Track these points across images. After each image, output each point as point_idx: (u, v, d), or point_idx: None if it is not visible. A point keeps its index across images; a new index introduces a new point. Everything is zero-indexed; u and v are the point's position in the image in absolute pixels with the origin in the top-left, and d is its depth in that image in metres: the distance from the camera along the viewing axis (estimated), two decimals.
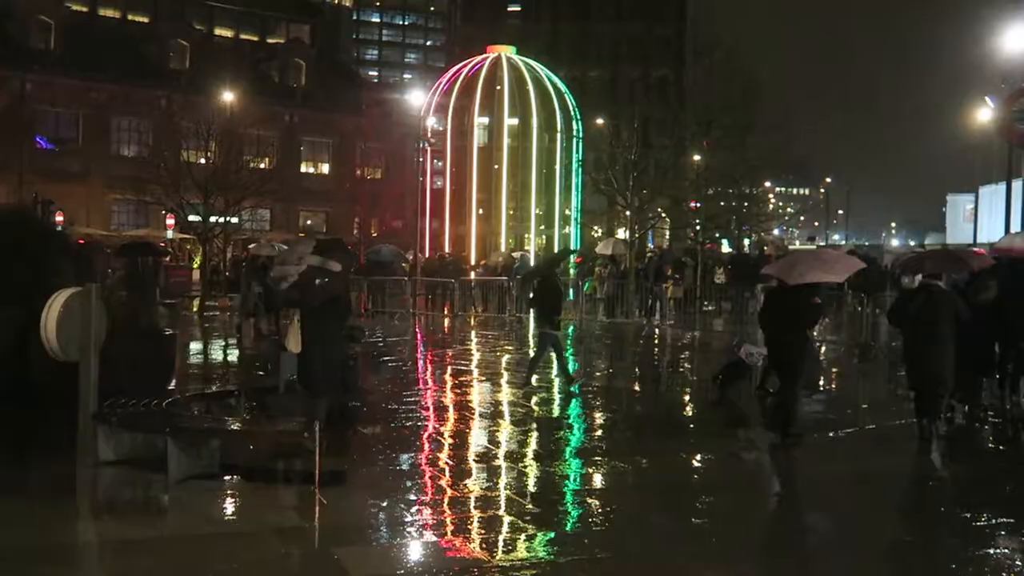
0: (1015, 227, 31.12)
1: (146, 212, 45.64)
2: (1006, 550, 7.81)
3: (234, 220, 33.83)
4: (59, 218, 40.16)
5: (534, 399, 14.38)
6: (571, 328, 26.75)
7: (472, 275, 32.49)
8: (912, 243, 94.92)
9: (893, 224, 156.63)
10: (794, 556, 7.83)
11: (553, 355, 15.36)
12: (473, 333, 24.78)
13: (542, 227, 39.65)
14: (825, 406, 14.38)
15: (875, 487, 10.03)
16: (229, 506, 8.69)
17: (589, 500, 9.05)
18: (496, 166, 38.73)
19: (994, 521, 8.58)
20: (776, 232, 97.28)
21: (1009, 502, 9.34)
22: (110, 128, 49.75)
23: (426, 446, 11.11)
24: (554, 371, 16.16)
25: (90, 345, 9.42)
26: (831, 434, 12.46)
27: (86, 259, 15.11)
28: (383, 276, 29.70)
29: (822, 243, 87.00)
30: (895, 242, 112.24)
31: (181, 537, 7.82)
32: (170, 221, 41.05)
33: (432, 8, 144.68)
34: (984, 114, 38.44)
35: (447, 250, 36.61)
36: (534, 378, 15.22)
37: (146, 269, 19.34)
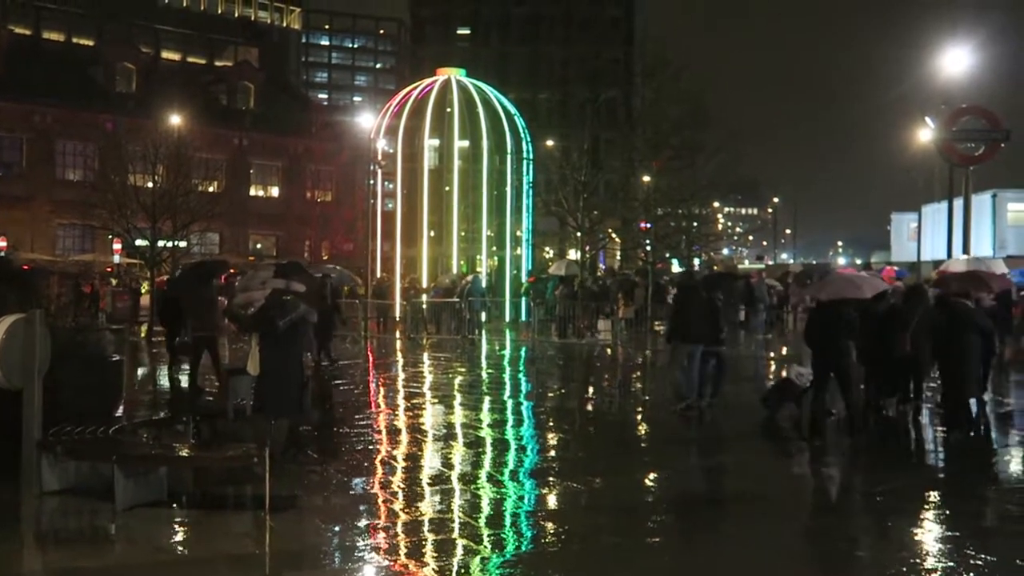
0: (957, 243, 31.70)
1: (92, 237, 45.03)
2: None
3: (182, 244, 33.47)
4: (2, 243, 39.51)
5: (487, 420, 14.37)
6: (523, 349, 26.78)
7: (423, 297, 32.39)
8: (859, 261, 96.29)
9: (840, 243, 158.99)
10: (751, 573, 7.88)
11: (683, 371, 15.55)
12: (426, 355, 24.71)
13: (494, 248, 39.67)
14: (782, 420, 14.53)
15: (843, 497, 10.14)
16: (178, 533, 8.57)
17: (543, 521, 9.04)
18: (447, 188, 38.72)
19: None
20: (725, 251, 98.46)
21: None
22: (55, 152, 49.11)
23: (378, 469, 11.04)
24: (507, 392, 16.10)
25: (34, 372, 9.26)
26: (784, 449, 12.61)
27: (30, 285, 14.84)
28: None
29: (771, 262, 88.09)
30: (842, 260, 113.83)
31: (129, 566, 7.70)
32: (117, 246, 40.55)
33: (382, 31, 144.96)
34: (925, 134, 39.24)
35: (399, 272, 36.45)
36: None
37: (210, 293, 18.26)
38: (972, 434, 13.03)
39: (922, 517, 9.38)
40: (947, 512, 9.54)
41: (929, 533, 8.84)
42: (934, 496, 10.18)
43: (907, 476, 11.17)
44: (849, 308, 12.84)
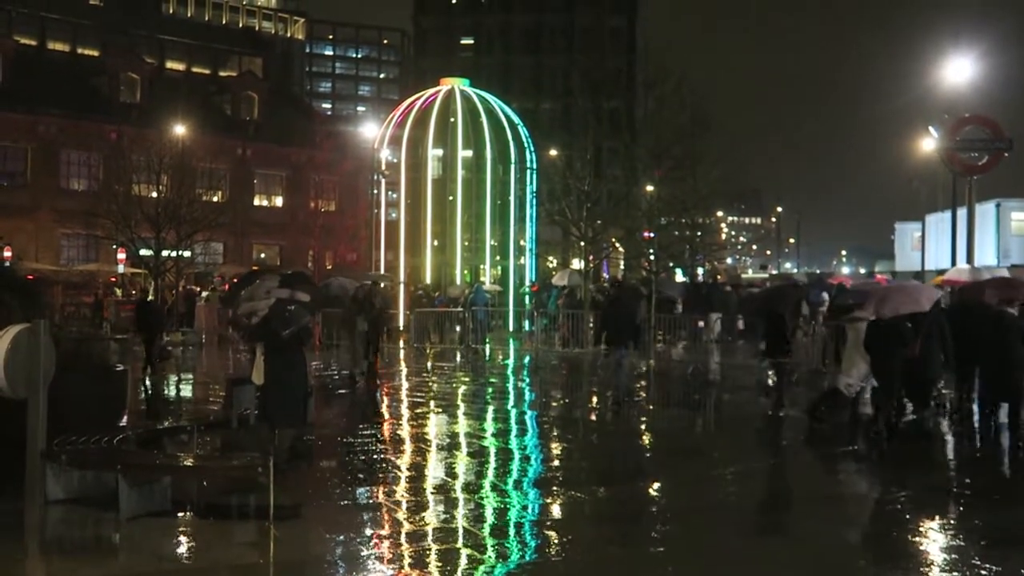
0: (961, 253, 31.67)
1: (96, 246, 45.07)
2: None
3: (186, 254, 33.50)
4: (7, 253, 39.56)
5: (490, 430, 14.36)
6: (526, 358, 26.77)
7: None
8: (862, 271, 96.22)
9: (843, 252, 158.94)
10: None
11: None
12: (429, 364, 24.70)
13: (497, 258, 39.68)
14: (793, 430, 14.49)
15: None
16: (182, 543, 8.56)
17: (546, 531, 9.03)
18: (451, 197, 38.76)
19: None
20: (729, 261, 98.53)
21: None
22: (59, 162, 49.12)
23: (382, 479, 11.03)
24: (511, 401, 16.05)
25: (38, 382, 9.27)
26: (779, 459, 12.59)
27: (35, 295, 14.87)
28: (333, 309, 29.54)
29: (774, 271, 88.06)
30: (845, 270, 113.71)
31: (133, 575, 7.71)
32: (121, 256, 40.57)
33: (385, 41, 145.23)
34: (928, 144, 39.21)
35: (403, 281, 36.45)
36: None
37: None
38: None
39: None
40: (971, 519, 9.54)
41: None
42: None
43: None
44: (906, 320, 13.23)
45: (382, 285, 25.98)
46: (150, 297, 27.09)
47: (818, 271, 78.36)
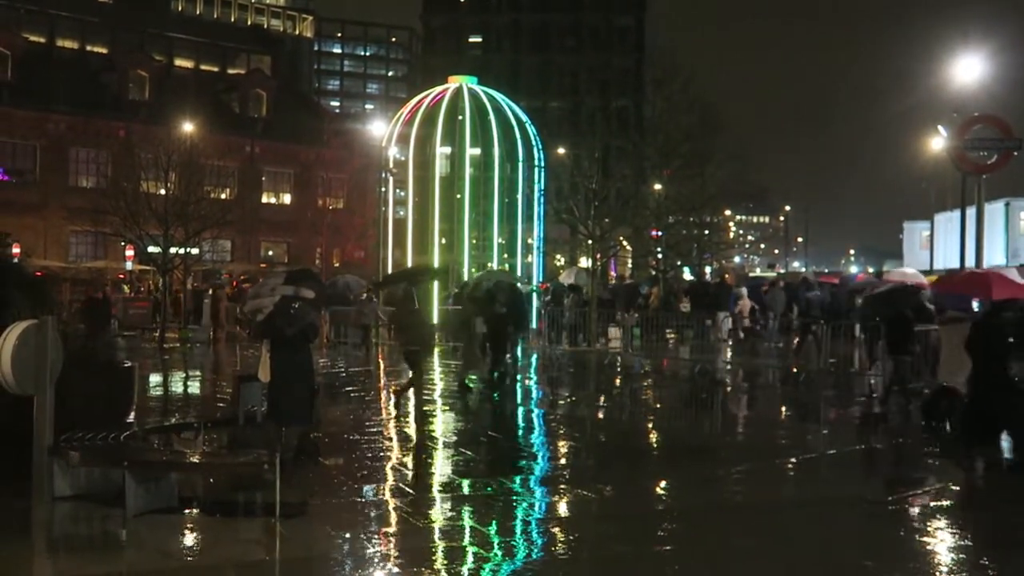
0: (970, 253, 31.54)
1: (104, 244, 45.18)
2: None
3: (194, 251, 33.55)
4: (15, 250, 39.68)
5: (498, 427, 14.35)
6: (534, 356, 26.75)
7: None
8: (871, 270, 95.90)
9: (852, 251, 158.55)
10: None
11: None
12: (436, 362, 24.67)
13: (505, 256, 39.62)
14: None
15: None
16: (188, 540, 8.57)
17: (553, 529, 9.02)
18: (458, 195, 38.71)
19: None
20: (737, 260, 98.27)
21: None
22: (68, 159, 49.25)
23: (389, 476, 11.04)
24: (518, 399, 15.95)
25: (46, 378, 9.28)
26: (779, 460, 12.56)
27: (43, 291, 14.90)
28: (341, 307, 29.57)
29: (782, 270, 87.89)
30: (853, 269, 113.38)
31: (139, 572, 7.73)
32: (129, 253, 40.65)
33: (393, 39, 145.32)
34: (938, 143, 39.08)
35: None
36: None
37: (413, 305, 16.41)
38: None
39: None
40: None
41: None
42: None
43: None
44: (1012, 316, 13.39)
45: (519, 285, 24.43)
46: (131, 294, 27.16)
47: (826, 270, 78.30)
